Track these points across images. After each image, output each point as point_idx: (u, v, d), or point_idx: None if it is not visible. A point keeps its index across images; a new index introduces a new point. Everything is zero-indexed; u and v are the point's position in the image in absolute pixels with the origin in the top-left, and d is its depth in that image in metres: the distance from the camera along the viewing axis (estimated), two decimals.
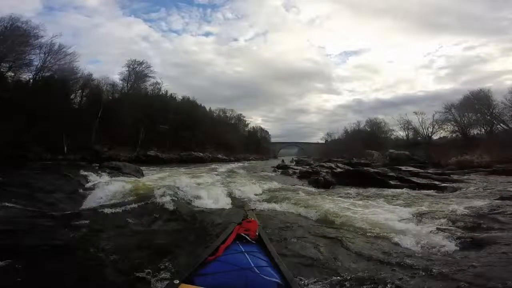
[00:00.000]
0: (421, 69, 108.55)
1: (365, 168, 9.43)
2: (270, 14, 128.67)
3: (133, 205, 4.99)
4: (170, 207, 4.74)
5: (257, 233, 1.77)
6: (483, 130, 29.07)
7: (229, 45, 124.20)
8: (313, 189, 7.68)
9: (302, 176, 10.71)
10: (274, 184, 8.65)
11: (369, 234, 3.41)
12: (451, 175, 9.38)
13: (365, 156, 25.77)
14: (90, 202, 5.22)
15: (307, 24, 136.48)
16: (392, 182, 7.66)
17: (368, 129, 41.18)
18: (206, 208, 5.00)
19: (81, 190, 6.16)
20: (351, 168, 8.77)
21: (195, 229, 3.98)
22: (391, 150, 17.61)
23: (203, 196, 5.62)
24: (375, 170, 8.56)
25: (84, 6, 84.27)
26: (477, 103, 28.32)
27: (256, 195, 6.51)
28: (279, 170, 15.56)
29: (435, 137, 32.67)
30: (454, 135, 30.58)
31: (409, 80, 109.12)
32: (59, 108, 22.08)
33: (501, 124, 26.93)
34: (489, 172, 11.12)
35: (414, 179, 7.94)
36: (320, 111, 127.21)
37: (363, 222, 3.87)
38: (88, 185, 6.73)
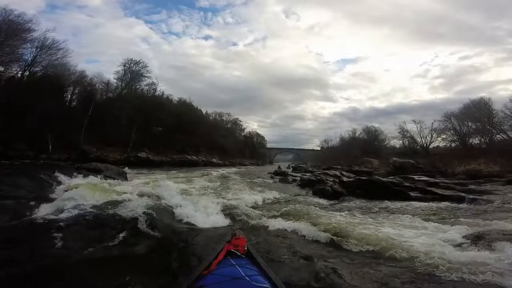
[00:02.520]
0: (416, 78, 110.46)
1: (376, 177, 8.47)
2: (270, 20, 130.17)
3: (101, 218, 3.99)
4: (146, 222, 3.72)
5: (245, 248, 1.82)
6: (482, 139, 28.76)
7: (228, 49, 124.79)
8: (320, 200, 6.69)
9: (304, 184, 9.74)
10: (274, 194, 7.66)
11: (420, 267, 2.46)
12: (469, 185, 8.53)
13: (364, 163, 25.04)
14: (47, 211, 4.15)
15: (306, 31, 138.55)
16: (412, 194, 6.74)
17: (365, 137, 40.71)
18: (192, 224, 4.01)
19: (43, 194, 5.05)
20: (363, 177, 7.82)
21: (172, 253, 3.04)
22: (394, 158, 16.82)
23: (189, 208, 4.59)
24: (390, 180, 7.67)
25: (87, 6, 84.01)
26: (477, 112, 28.02)
27: (254, 207, 5.50)
28: (277, 177, 14.58)
29: (432, 146, 32.33)
30: (453, 144, 30.20)
31: (404, 89, 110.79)
32: (47, 105, 20.86)
33: (501, 134, 26.65)
34: (505, 181, 10.35)
35: (436, 190, 7.04)
36: (316, 118, 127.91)
37: (402, 247, 2.93)
38: (52, 189, 5.62)
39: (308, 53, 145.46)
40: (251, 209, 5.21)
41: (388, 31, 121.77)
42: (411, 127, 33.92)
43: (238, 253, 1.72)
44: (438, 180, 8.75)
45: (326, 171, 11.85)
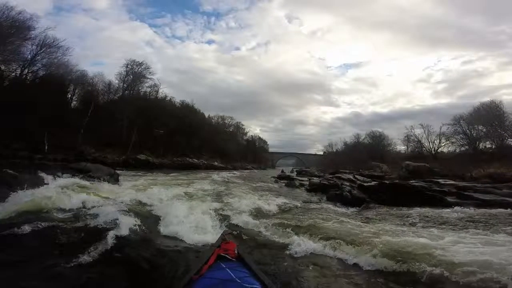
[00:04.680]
0: (418, 83, 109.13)
1: (402, 181, 7.48)
2: (272, 24, 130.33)
3: (69, 227, 3.16)
4: (124, 235, 2.87)
5: (236, 252, 1.80)
6: (493, 143, 27.84)
7: (231, 53, 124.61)
8: (338, 208, 5.74)
9: (315, 189, 8.72)
10: (282, 200, 6.66)
11: None
12: (503, 189, 7.54)
13: (373, 168, 24.14)
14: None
15: (309, 36, 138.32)
16: (450, 199, 5.78)
17: (371, 141, 39.94)
18: (181, 240, 3.13)
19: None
20: (388, 182, 6.85)
21: (153, 274, 2.41)
22: (407, 162, 15.87)
23: (180, 218, 3.68)
24: (419, 184, 6.73)
25: (92, 9, 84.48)
26: (487, 115, 27.16)
27: (259, 216, 4.58)
28: (283, 181, 13.63)
29: (439, 151, 31.41)
30: (462, 148, 29.22)
31: (407, 94, 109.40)
32: (45, 104, 20.29)
33: None
34: None
35: (476, 195, 6.05)
36: (318, 123, 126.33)
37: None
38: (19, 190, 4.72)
39: (310, 58, 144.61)
40: (256, 219, 4.28)
41: (390, 36, 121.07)
42: (417, 132, 33.16)
43: (228, 257, 1.68)
44: (469, 184, 7.76)
45: (339, 175, 10.86)
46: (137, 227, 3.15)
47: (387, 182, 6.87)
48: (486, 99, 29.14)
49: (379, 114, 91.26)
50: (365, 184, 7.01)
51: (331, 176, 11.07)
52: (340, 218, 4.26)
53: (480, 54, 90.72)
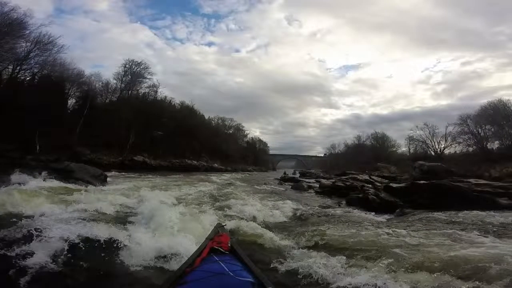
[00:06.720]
0: (418, 85, 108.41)
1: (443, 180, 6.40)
2: (272, 26, 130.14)
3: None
4: (94, 253, 1.94)
5: (229, 245, 1.77)
6: (502, 143, 27.06)
7: (230, 55, 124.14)
8: (366, 215, 4.73)
9: (327, 192, 7.73)
10: (293, 205, 5.66)
11: None
12: None
13: (379, 169, 23.29)
14: None
15: (309, 37, 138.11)
16: (502, 201, 4.85)
17: (374, 143, 39.27)
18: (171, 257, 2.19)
19: None
20: (421, 182, 5.81)
21: None
22: (421, 162, 14.96)
23: (169, 230, 2.74)
24: (459, 183, 5.75)
25: (93, 11, 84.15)
26: (494, 114, 26.40)
27: (270, 227, 3.64)
28: (288, 184, 12.70)
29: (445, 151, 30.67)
30: (470, 148, 28.41)
31: (407, 95, 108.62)
32: (40, 104, 19.41)
33: None
34: None
35: None
36: (318, 125, 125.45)
37: None
38: None
39: (310, 60, 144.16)
40: (268, 230, 3.33)
41: (390, 38, 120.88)
42: (421, 133, 32.51)
43: (221, 250, 1.65)
44: (506, 184, 6.79)
45: (355, 176, 9.89)
46: (113, 244, 2.22)
47: (423, 182, 5.84)
48: (486, 100, 28.46)
49: (379, 115, 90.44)
50: (394, 185, 6.00)
51: (345, 177, 10.09)
52: (375, 228, 3.28)
53: (479, 55, 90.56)
